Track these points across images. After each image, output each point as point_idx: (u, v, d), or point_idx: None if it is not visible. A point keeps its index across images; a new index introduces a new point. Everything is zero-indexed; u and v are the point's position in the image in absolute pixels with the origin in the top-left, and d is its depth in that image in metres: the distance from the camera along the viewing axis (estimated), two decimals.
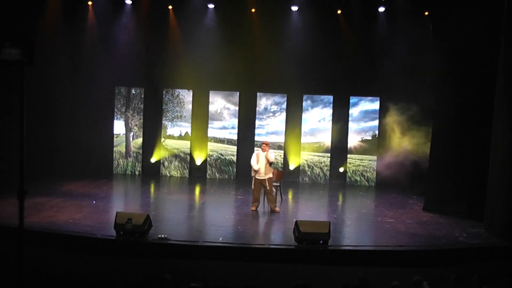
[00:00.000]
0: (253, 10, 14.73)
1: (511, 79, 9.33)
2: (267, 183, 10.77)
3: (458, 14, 10.98)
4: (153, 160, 15.43)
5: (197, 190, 13.89)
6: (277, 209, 10.94)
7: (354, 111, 15.11)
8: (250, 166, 11.02)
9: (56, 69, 13.97)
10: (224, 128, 15.41)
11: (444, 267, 7.96)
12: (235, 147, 15.28)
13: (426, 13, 13.51)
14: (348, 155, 15.14)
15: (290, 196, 13.29)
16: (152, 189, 13.74)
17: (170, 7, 14.94)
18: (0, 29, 11.05)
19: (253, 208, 10.96)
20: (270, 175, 10.86)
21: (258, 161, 10.79)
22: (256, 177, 10.79)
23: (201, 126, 15.42)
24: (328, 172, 15.26)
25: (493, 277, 6.30)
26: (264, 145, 10.94)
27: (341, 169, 15.20)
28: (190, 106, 15.40)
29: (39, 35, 12.72)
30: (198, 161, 15.44)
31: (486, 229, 9.72)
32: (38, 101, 12.79)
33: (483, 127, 10.40)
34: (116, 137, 15.54)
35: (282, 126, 15.27)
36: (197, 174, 15.40)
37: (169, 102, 15.48)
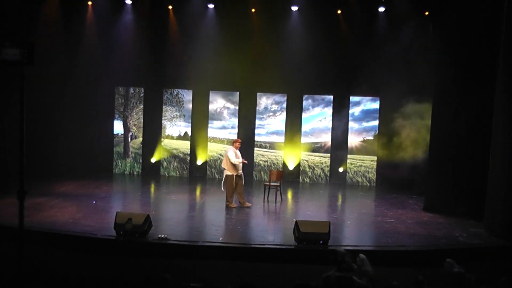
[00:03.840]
0: (253, 10, 14.74)
1: (511, 79, 9.33)
2: (243, 177, 11.36)
3: (458, 14, 10.98)
4: (153, 160, 15.43)
5: (197, 190, 13.89)
6: (248, 203, 11.37)
7: (355, 110, 15.10)
8: (235, 165, 11.22)
9: (56, 69, 13.97)
10: (224, 128, 15.40)
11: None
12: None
13: (426, 13, 13.51)
14: (349, 156, 15.13)
15: (290, 196, 13.29)
16: (152, 189, 13.74)
17: (170, 7, 14.95)
18: (0, 30, 11.05)
19: (234, 205, 11.22)
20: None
21: (239, 157, 11.29)
22: (236, 174, 11.21)
23: (201, 126, 15.41)
24: (329, 172, 15.25)
25: (493, 277, 6.30)
26: (238, 142, 11.53)
27: (341, 169, 15.20)
28: (190, 106, 15.40)
29: (39, 35, 12.71)
30: (198, 162, 15.44)
31: (486, 229, 9.71)
32: (38, 101, 12.79)
33: (483, 127, 10.40)
34: (114, 137, 15.55)
35: (282, 126, 15.27)
36: (197, 174, 15.40)
37: (168, 102, 15.47)
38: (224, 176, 11.34)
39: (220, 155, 15.38)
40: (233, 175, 11.18)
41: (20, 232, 4.36)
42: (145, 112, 15.49)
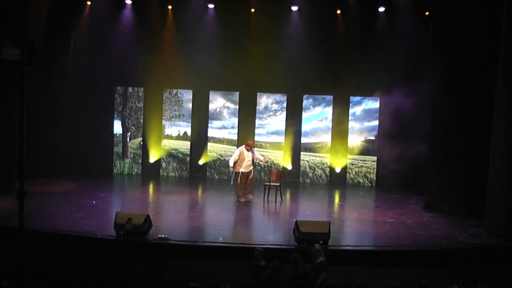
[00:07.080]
0: (253, 10, 14.73)
1: (511, 79, 9.33)
2: (252, 172, 12.01)
3: (458, 14, 10.98)
4: (152, 160, 15.40)
5: (197, 190, 13.88)
6: (243, 199, 11.94)
7: (357, 110, 15.04)
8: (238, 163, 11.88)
9: (56, 69, 13.96)
10: (224, 128, 15.38)
11: (444, 267, 7.97)
12: (235, 148, 15.23)
13: (427, 13, 13.50)
14: (351, 156, 15.08)
15: (290, 196, 13.27)
16: (151, 190, 13.73)
17: (170, 6, 14.94)
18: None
19: (243, 200, 11.79)
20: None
21: (245, 159, 11.82)
22: (242, 171, 11.83)
23: (200, 126, 15.39)
24: (330, 173, 15.22)
25: (493, 277, 6.30)
26: (247, 145, 11.99)
27: (338, 169, 15.12)
28: (189, 105, 15.37)
29: (38, 35, 12.69)
30: (198, 162, 15.41)
31: (486, 229, 9.71)
32: (38, 101, 12.78)
33: (483, 127, 10.40)
34: (113, 137, 15.53)
35: (283, 126, 15.24)
36: (196, 174, 15.38)
37: (167, 101, 15.45)
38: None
39: (220, 155, 15.38)
40: (239, 171, 11.80)
41: (20, 232, 4.36)
42: (145, 112, 15.47)
